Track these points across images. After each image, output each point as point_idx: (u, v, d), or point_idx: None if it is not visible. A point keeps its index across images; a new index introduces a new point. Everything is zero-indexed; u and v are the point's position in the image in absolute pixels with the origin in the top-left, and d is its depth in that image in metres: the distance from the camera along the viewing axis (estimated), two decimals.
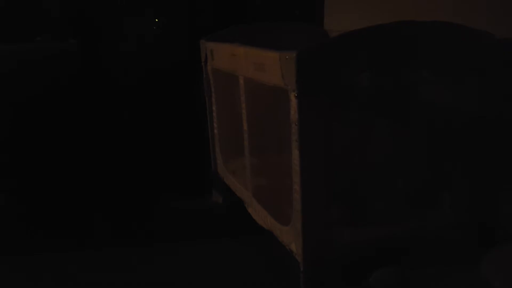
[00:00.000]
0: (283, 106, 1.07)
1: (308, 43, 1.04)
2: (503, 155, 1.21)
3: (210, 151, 1.80)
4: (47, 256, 1.47)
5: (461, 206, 1.25)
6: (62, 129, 2.13)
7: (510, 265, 1.03)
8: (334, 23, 1.97)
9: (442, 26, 1.11)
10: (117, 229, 1.64)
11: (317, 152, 1.06)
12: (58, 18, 2.24)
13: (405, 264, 1.15)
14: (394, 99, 1.31)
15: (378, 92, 1.30)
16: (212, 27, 2.06)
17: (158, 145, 2.25)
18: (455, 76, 1.17)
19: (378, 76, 1.26)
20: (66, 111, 2.14)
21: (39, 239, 1.58)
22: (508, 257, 1.06)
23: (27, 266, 1.42)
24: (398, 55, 1.10)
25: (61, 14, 2.23)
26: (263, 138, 1.44)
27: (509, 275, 1.00)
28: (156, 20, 2.12)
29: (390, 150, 1.34)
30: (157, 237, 1.57)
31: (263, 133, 1.43)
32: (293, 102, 1.02)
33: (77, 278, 1.35)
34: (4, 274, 1.38)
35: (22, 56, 2.12)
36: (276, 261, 1.33)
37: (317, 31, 1.88)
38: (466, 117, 1.20)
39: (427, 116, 1.26)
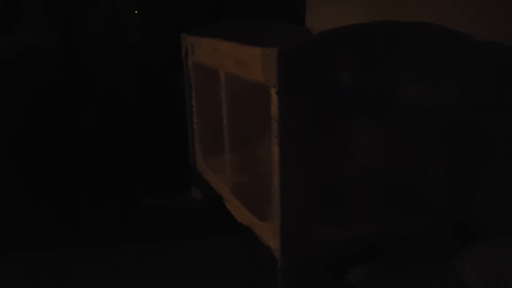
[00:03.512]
0: (263, 102, 1.07)
1: (289, 40, 1.04)
2: (481, 156, 1.24)
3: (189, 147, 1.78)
4: (27, 254, 1.44)
5: (440, 205, 1.27)
6: (39, 126, 2.08)
7: (483, 262, 1.05)
8: (315, 21, 1.97)
9: (423, 27, 1.12)
10: (96, 228, 1.61)
11: (297, 149, 1.06)
12: (38, 11, 2.18)
13: (382, 261, 1.16)
14: (375, 98, 1.32)
15: (359, 90, 1.31)
16: (192, 22, 2.04)
17: (137, 141, 2.21)
18: (436, 77, 1.19)
19: (359, 74, 1.27)
20: (43, 106, 2.09)
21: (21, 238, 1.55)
22: (481, 253, 1.08)
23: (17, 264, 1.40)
24: (379, 54, 1.10)
25: (41, 8, 2.17)
26: (244, 134, 1.43)
27: (482, 271, 1.02)
28: (136, 12, 2.09)
29: (372, 148, 1.35)
30: (136, 235, 1.55)
31: (243, 129, 1.42)
32: (274, 98, 1.02)
33: (58, 277, 1.33)
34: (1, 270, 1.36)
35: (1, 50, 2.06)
36: (256, 258, 1.33)
37: (299, 28, 1.89)
38: (446, 118, 1.22)
39: (408, 116, 1.27)
